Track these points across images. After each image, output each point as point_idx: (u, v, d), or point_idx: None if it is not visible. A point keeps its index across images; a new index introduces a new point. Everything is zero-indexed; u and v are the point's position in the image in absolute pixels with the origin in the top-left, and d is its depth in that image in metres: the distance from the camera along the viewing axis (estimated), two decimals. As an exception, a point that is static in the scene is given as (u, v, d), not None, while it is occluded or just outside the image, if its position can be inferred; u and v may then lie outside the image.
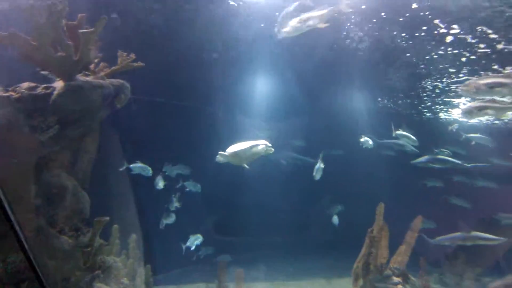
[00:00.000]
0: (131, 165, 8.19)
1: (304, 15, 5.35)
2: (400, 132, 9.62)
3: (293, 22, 5.39)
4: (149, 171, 8.39)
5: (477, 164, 10.58)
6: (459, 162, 10.02)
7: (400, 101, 11.45)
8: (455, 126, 9.79)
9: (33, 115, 4.54)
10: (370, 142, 9.65)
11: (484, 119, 10.18)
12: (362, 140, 9.62)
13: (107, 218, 4.88)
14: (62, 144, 4.91)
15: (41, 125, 4.49)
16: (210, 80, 9.84)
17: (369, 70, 9.67)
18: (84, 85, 4.79)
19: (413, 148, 10.03)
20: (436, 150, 10.12)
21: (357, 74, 9.97)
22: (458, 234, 8.06)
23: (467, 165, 10.30)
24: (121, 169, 8.13)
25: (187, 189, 9.98)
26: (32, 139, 4.53)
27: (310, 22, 5.32)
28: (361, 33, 7.77)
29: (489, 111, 5.99)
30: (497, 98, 6.50)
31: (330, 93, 11.18)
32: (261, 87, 10.76)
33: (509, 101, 6.61)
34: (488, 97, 5.79)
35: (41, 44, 4.51)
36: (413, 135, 9.61)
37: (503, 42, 6.81)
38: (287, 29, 5.45)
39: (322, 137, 11.92)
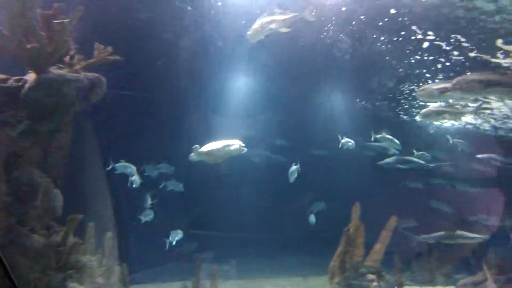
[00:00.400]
0: (117, 164, 7.98)
1: (266, 19, 5.37)
2: (383, 135, 9.84)
3: (255, 25, 5.40)
4: (133, 170, 8.21)
5: (439, 164, 11.07)
6: (422, 162, 10.42)
7: (377, 103, 11.71)
8: (433, 128, 10.14)
9: (3, 109, 4.36)
10: (350, 143, 9.77)
11: (456, 123, 10.57)
12: (342, 141, 9.71)
13: (81, 216, 4.76)
14: (34, 139, 4.74)
15: (12, 119, 4.31)
16: (190, 80, 9.72)
17: (349, 71, 9.83)
18: (58, 78, 4.63)
19: (396, 151, 10.32)
20: (417, 153, 10.44)
21: (336, 74, 10.11)
22: (442, 233, 8.41)
23: (430, 165, 10.75)
24: (107, 168, 7.92)
25: (169, 189, 9.86)
26: (2, 135, 4.36)
27: (272, 26, 5.34)
28: (341, 34, 7.90)
29: (446, 115, 6.30)
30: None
31: (308, 93, 11.28)
32: (239, 86, 10.73)
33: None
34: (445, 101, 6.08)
35: (13, 34, 4.32)
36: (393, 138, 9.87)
37: (475, 51, 7.11)
38: (249, 32, 5.47)
39: (300, 137, 12.03)
